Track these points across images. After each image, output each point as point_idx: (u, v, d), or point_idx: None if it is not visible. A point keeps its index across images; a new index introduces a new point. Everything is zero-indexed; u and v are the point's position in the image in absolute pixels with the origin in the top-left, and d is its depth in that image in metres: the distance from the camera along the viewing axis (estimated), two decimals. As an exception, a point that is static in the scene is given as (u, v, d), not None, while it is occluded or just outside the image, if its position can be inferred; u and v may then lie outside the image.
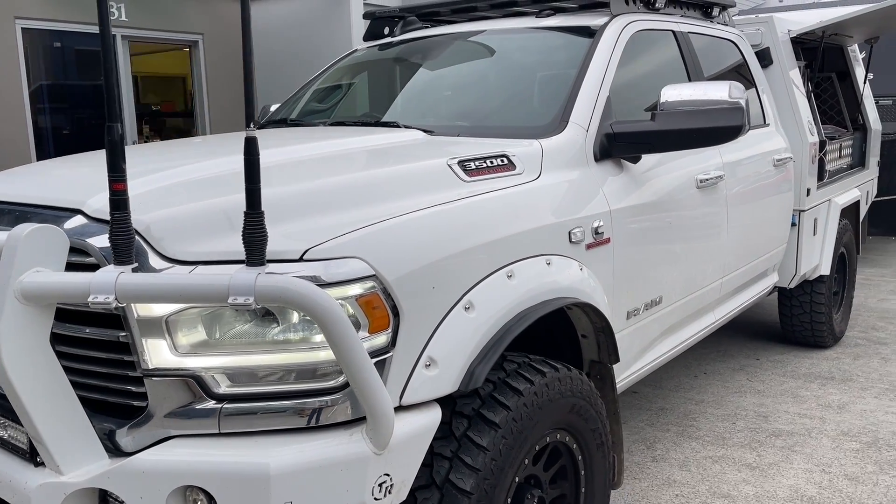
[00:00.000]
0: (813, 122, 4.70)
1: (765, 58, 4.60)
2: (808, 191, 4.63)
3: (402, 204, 2.05)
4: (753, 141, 4.06)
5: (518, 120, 2.96)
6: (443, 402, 1.98)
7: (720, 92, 2.73)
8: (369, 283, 1.81)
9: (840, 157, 5.63)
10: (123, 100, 7.62)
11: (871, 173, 6.04)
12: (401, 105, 3.34)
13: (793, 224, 4.64)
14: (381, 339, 1.83)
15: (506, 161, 2.44)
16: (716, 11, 4.20)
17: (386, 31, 4.01)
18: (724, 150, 3.69)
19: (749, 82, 4.31)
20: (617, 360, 2.62)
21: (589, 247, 2.58)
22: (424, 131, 2.87)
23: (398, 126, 3.01)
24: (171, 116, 10.91)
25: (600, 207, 2.66)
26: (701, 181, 3.37)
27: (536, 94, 3.00)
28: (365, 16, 4.07)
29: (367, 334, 1.80)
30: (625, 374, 3.01)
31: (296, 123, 3.59)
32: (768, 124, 4.37)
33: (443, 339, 1.94)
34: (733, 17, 4.74)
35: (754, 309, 6.19)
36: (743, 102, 2.73)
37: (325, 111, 3.70)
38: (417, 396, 1.90)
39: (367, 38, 4.03)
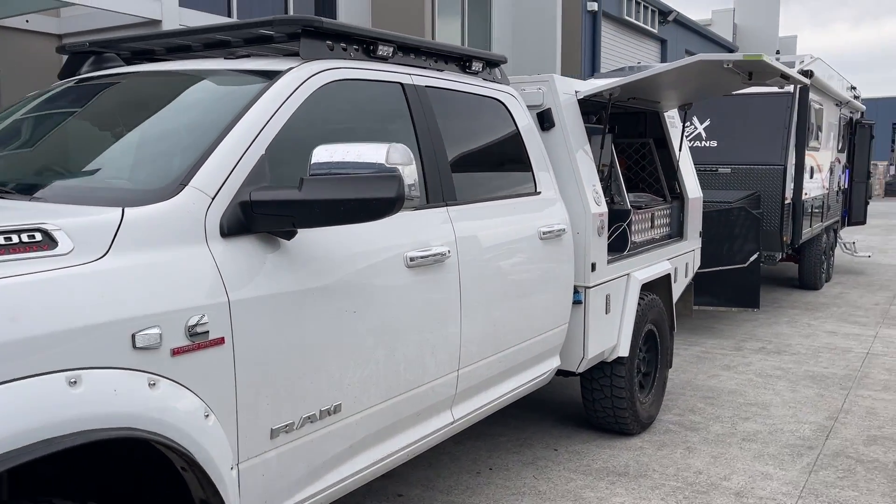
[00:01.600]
0: (600, 191, 4.27)
1: (546, 120, 4.17)
2: (594, 265, 4.17)
3: None
4: (510, 210, 3.56)
5: (123, 181, 2.32)
6: None
7: (376, 155, 2.18)
8: None
9: (652, 227, 5.24)
10: None
11: (690, 244, 5.69)
12: (5, 157, 2.68)
13: (578, 301, 4.16)
14: None
15: (39, 237, 1.79)
16: (476, 66, 3.73)
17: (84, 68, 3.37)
18: (458, 221, 3.16)
19: (517, 146, 3.84)
20: (221, 502, 1.96)
21: (177, 352, 1.93)
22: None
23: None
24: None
25: (209, 298, 2.03)
26: (413, 259, 2.80)
27: (166, 150, 2.39)
28: (58, 49, 3.42)
29: None
30: (286, 508, 2.36)
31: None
32: (539, 192, 3.90)
33: None
34: (515, 76, 4.31)
35: (571, 390, 5.69)
36: (404, 169, 2.18)
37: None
38: None
39: (62, 75, 3.37)
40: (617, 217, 4.82)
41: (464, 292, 3.10)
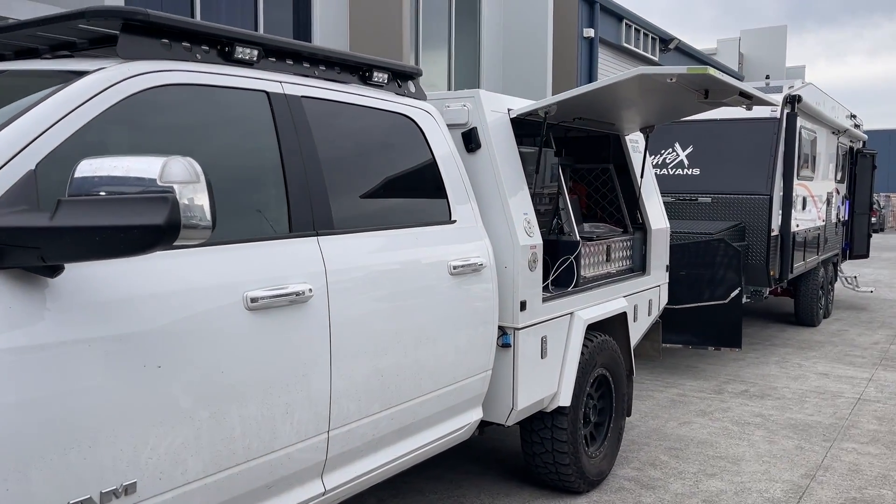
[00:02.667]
0: (533, 220, 3.76)
1: (471, 140, 3.69)
2: (524, 304, 3.65)
3: None
4: (410, 242, 3.07)
5: None
6: None
7: (148, 169, 1.70)
8: None
9: (608, 260, 4.73)
10: None
11: (654, 279, 5.16)
12: None
13: (506, 344, 3.64)
14: None
15: None
16: (379, 77, 3.26)
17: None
18: (332, 253, 2.66)
19: (428, 168, 3.36)
20: None
21: None
22: None
23: None
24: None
25: None
26: (256, 300, 2.31)
27: None
28: None
29: None
30: None
31: None
32: (454, 221, 3.40)
33: None
34: (444, 92, 3.84)
35: (517, 439, 5.13)
36: (184, 188, 1.70)
37: None
38: None
39: None
40: (564, 249, 4.32)
41: (335, 338, 2.59)
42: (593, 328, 4.43)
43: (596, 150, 5.41)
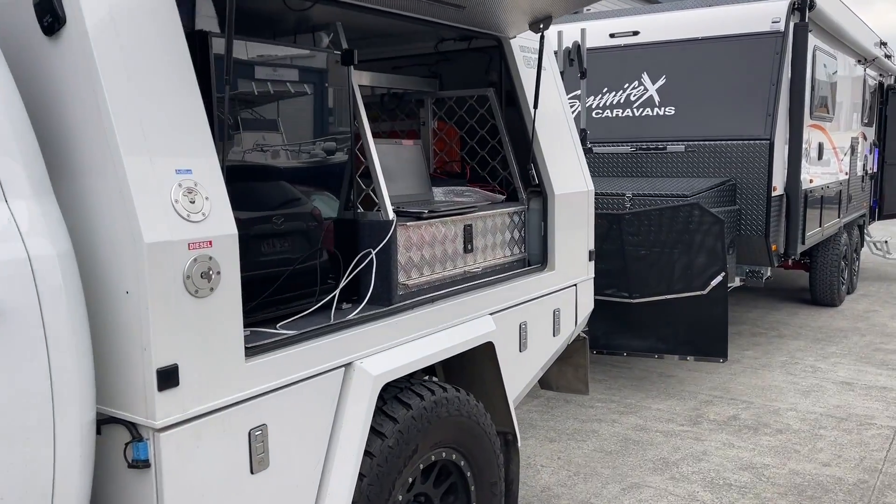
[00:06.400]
0: (211, 189, 1.73)
1: (48, 11, 1.66)
2: (171, 372, 1.64)
3: None
4: None
5: None
6: None
7: None
8: None
9: (469, 250, 2.70)
10: None
11: (562, 276, 3.11)
12: None
13: (140, 463, 1.65)
14: None
15: None
16: None
17: None
18: None
19: None
20: None
21: None
22: None
23: None
24: None
25: None
26: None
27: None
28: None
29: None
30: None
31: None
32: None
33: None
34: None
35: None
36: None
37: None
38: None
39: None
40: (366, 236, 2.32)
41: None
42: (414, 383, 2.41)
43: (470, 68, 3.35)
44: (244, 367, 1.78)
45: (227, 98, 1.82)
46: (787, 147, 5.58)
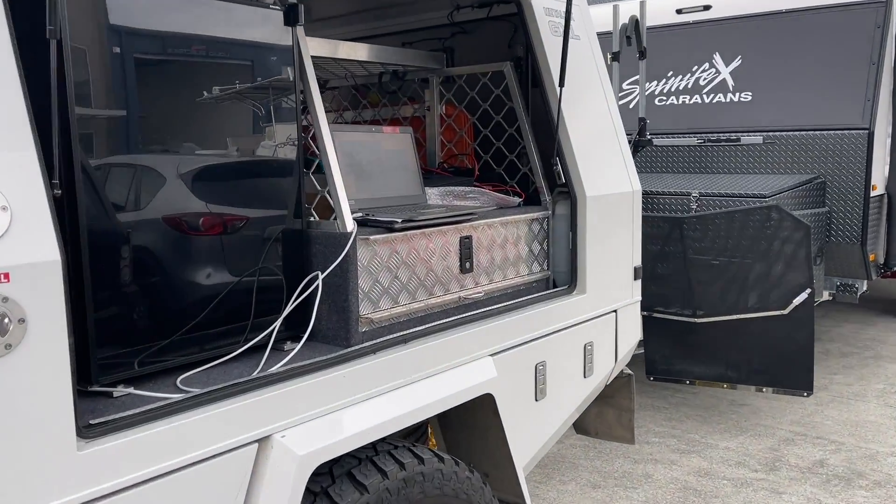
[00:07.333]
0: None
1: None
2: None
3: None
4: None
5: None
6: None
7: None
8: None
9: (465, 270, 2.07)
10: None
11: (596, 300, 2.44)
12: None
13: None
14: None
15: None
16: None
17: None
18: None
19: None
20: None
21: None
22: None
23: None
24: None
25: None
26: None
27: None
28: None
29: None
30: None
31: None
32: None
33: None
34: None
35: None
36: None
37: None
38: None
39: None
40: (310, 256, 1.74)
41: None
42: (379, 451, 1.79)
43: (491, 42, 2.70)
44: (75, 458, 1.21)
45: (68, 62, 1.25)
46: (889, 138, 4.71)
